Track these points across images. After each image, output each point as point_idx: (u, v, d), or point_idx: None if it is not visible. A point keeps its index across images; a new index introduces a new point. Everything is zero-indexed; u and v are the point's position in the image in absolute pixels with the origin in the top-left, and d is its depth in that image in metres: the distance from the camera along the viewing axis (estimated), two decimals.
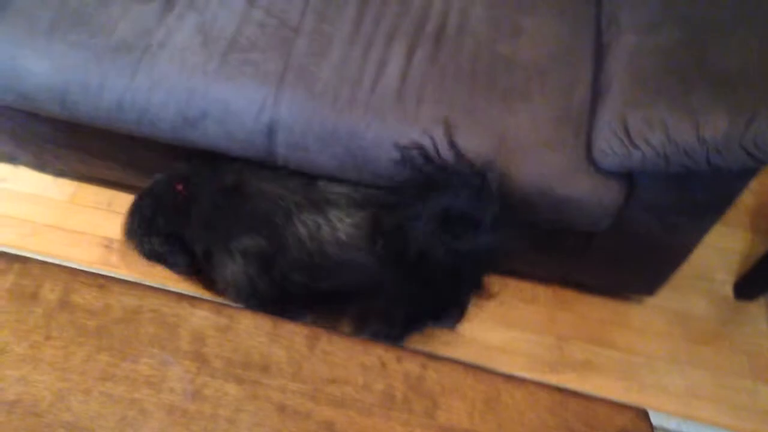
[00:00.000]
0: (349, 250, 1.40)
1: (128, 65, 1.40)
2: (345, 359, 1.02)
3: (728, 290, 1.90)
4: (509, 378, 1.03)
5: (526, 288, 1.84)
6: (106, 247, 1.75)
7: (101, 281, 1.04)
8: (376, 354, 1.03)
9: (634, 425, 1.01)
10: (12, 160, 1.83)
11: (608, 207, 1.41)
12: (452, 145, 1.34)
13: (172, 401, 0.96)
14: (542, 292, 1.84)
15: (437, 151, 1.38)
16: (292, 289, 1.45)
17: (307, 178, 1.47)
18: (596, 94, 1.43)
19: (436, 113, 1.41)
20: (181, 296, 1.04)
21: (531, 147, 1.41)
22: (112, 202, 1.82)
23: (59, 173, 1.83)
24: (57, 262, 1.61)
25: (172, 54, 1.42)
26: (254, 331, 1.03)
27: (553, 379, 1.69)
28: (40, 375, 0.96)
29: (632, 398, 1.68)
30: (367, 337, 1.52)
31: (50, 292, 1.01)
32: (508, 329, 1.77)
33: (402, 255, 1.34)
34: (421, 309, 1.55)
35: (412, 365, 1.03)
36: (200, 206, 1.43)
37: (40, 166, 1.83)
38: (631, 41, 1.41)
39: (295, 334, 1.03)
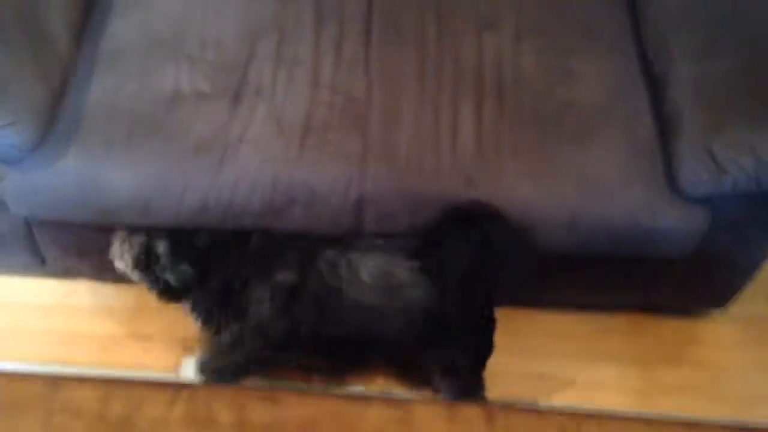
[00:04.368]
0: (371, 293, 1.39)
1: (210, 164, 1.39)
2: None
3: None
4: (686, 425, 1.04)
5: (599, 319, 1.85)
6: (186, 348, 1.70)
7: (268, 394, 1.01)
8: (555, 422, 1.03)
9: None
10: (70, 273, 1.77)
11: (694, 232, 1.45)
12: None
13: None
14: (616, 321, 1.85)
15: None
16: (304, 333, 1.43)
17: None
18: (664, 124, 1.48)
19: (516, 166, 1.44)
20: (350, 397, 1.03)
21: (611, 184, 1.44)
22: None
23: (120, 279, 1.78)
24: (140, 374, 1.59)
25: (251, 146, 1.41)
26: (431, 418, 1.02)
27: (650, 408, 1.71)
28: None
29: (728, 413, 1.71)
30: (449, 396, 1.53)
31: (224, 415, 0.98)
32: (594, 364, 1.78)
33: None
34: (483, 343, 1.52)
35: (591, 427, 1.03)
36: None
37: (100, 275, 1.78)
38: (691, 69, 1.46)
39: (472, 416, 1.03)
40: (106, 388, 0.97)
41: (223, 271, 1.43)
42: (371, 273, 1.39)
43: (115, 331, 1.72)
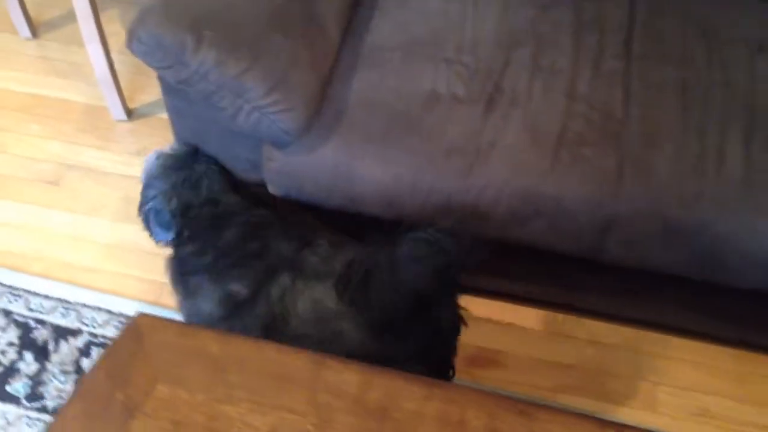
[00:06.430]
0: (305, 324, 1.27)
1: (460, 168, 1.39)
2: None
3: None
4: None
5: None
6: None
7: (521, 407, 1.00)
8: None
9: None
10: None
11: None
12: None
13: None
14: None
15: None
16: None
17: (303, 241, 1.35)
18: None
19: None
20: (603, 423, 0.98)
21: None
22: None
23: None
24: None
25: (502, 153, 1.40)
26: None
27: None
28: None
29: None
30: None
31: (475, 419, 0.98)
32: None
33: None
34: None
35: None
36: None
37: None
38: None
39: None
40: (366, 375, 1.01)
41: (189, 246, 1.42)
42: (304, 306, 1.27)
43: None
